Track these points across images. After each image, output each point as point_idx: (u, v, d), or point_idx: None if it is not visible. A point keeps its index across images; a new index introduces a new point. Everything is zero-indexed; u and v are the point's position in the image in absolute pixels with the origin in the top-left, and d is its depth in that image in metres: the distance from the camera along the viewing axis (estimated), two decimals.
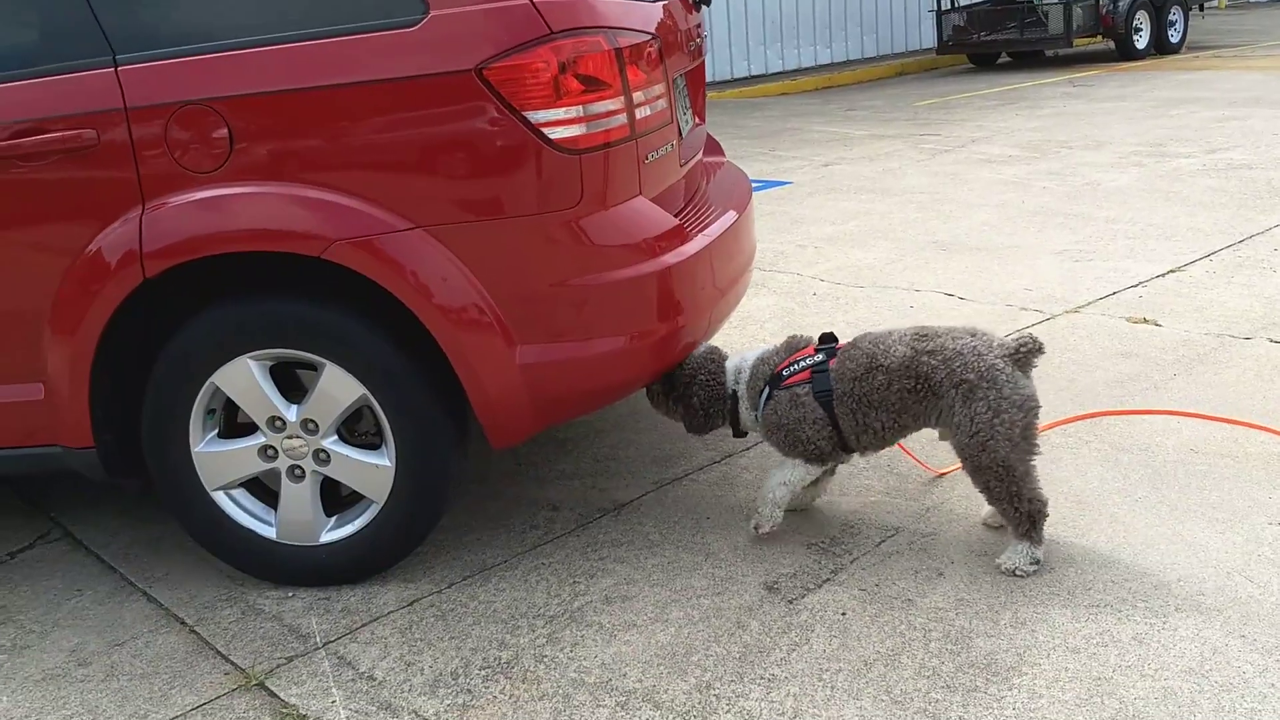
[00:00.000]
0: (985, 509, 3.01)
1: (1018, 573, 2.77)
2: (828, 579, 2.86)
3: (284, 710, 2.50)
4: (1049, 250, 5.78)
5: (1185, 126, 9.32)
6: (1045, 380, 4.00)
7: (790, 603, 2.77)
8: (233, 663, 2.69)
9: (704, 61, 3.78)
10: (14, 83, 2.75)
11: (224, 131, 2.65)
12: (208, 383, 2.82)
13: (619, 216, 2.80)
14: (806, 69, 16.86)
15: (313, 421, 2.84)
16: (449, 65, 2.61)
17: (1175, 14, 15.71)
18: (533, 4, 2.64)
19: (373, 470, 2.86)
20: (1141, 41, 15.24)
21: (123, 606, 3.00)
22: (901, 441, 3.08)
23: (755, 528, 3.05)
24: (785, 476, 2.98)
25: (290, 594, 2.97)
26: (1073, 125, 9.87)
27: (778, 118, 12.12)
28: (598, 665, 2.58)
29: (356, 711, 2.47)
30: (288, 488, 2.91)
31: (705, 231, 3.10)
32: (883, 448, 2.98)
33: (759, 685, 2.46)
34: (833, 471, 3.18)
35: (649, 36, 2.94)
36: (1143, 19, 15.24)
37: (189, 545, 3.21)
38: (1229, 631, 2.51)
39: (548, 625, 2.75)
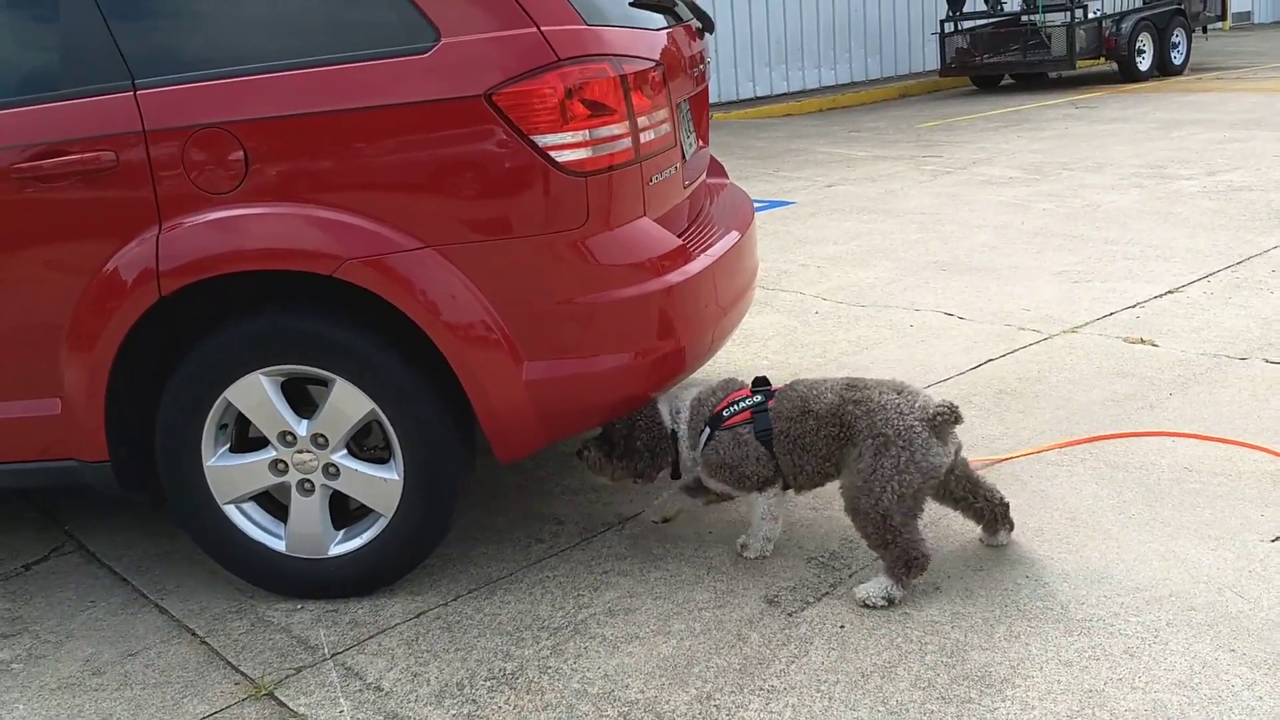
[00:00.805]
0: (980, 529, 3.07)
1: (867, 602, 2.82)
2: (827, 592, 2.92)
3: (293, 719, 2.56)
4: (1048, 271, 5.85)
5: (1186, 148, 9.40)
6: (1042, 399, 4.07)
7: (790, 615, 2.82)
8: (243, 673, 2.75)
9: (708, 86, 3.86)
10: (36, 105, 2.83)
11: (240, 154, 2.73)
12: (220, 398, 2.89)
13: (624, 236, 2.87)
14: (810, 90, 16.98)
15: (323, 436, 2.91)
16: (459, 90, 2.69)
17: (1178, 36, 15.80)
18: (540, 32, 2.71)
19: (381, 484, 2.93)
20: (1144, 63, 15.33)
21: (135, 618, 3.06)
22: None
23: (741, 547, 3.14)
24: (762, 510, 3.07)
25: (299, 606, 3.03)
26: (1074, 147, 9.94)
27: (782, 138, 12.22)
28: (601, 676, 2.63)
29: None
30: (297, 501, 2.97)
31: (708, 251, 3.17)
32: (816, 487, 3.04)
33: (759, 696, 2.52)
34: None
35: (653, 63, 3.01)
36: (1146, 41, 15.33)
37: (199, 558, 3.27)
38: (1219, 646, 2.56)
39: (552, 637, 2.81)
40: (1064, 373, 4.34)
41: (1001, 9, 16.38)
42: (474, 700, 2.58)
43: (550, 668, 2.68)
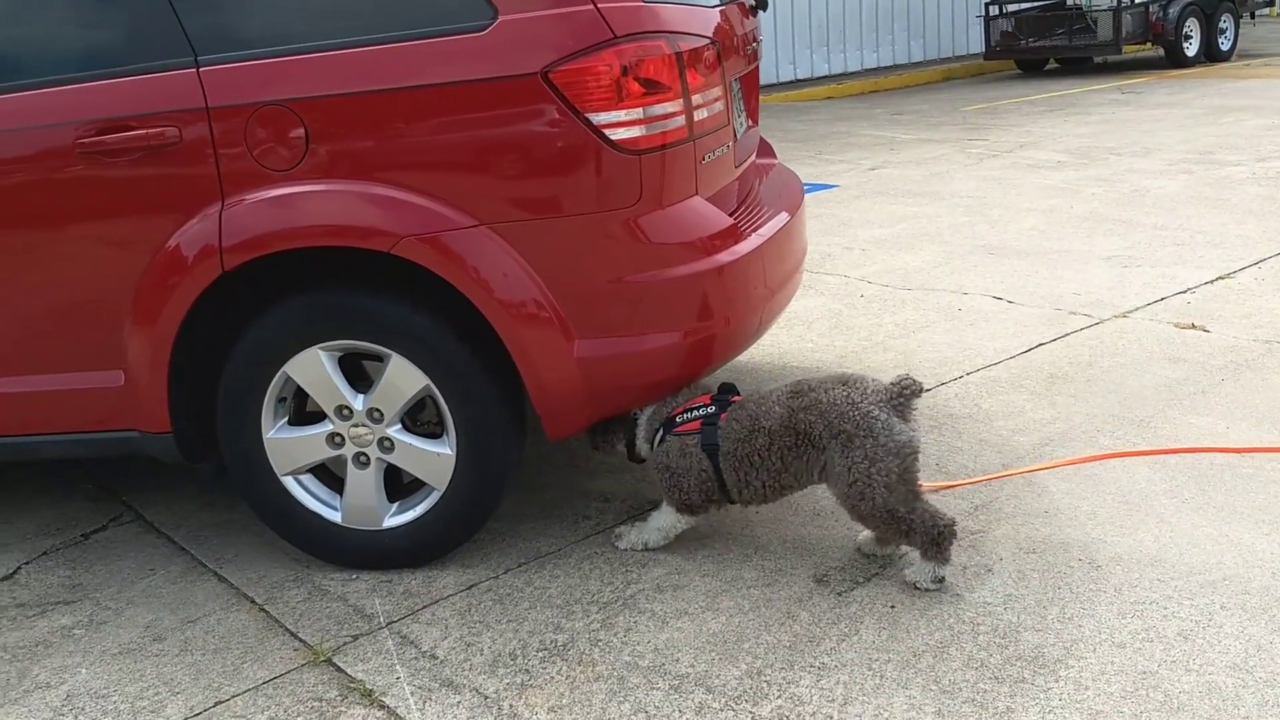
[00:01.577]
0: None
1: (917, 585, 2.81)
2: (876, 573, 2.93)
3: (351, 685, 2.61)
4: (1097, 255, 5.80)
5: (1235, 134, 9.26)
6: (1094, 384, 4.05)
7: (839, 595, 2.84)
8: (301, 640, 2.80)
9: (759, 65, 3.85)
10: (100, 81, 2.87)
11: (300, 131, 2.76)
12: (280, 372, 2.93)
13: (676, 215, 2.88)
14: (853, 73, 16.86)
15: (378, 410, 2.95)
16: (516, 68, 2.71)
17: (1226, 21, 15.55)
18: (597, 9, 2.72)
19: (434, 458, 2.96)
20: (1191, 49, 15.09)
21: (194, 585, 3.12)
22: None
23: (616, 538, 3.15)
24: (661, 523, 3.07)
25: (354, 576, 3.08)
26: (1121, 132, 9.83)
27: (824, 121, 12.15)
28: (651, 650, 2.66)
29: (420, 688, 2.57)
30: (353, 474, 3.01)
31: (758, 231, 3.17)
32: (764, 503, 3.00)
33: (809, 673, 2.53)
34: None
35: (708, 41, 3.02)
36: (1193, 26, 15.10)
37: (256, 529, 3.33)
38: (1274, 629, 2.55)
39: (601, 611, 2.84)
40: (1115, 358, 4.31)
41: None
42: (527, 670, 2.61)
43: (601, 640, 2.71)
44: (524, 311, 2.81)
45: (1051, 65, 16.30)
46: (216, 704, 2.57)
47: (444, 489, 2.99)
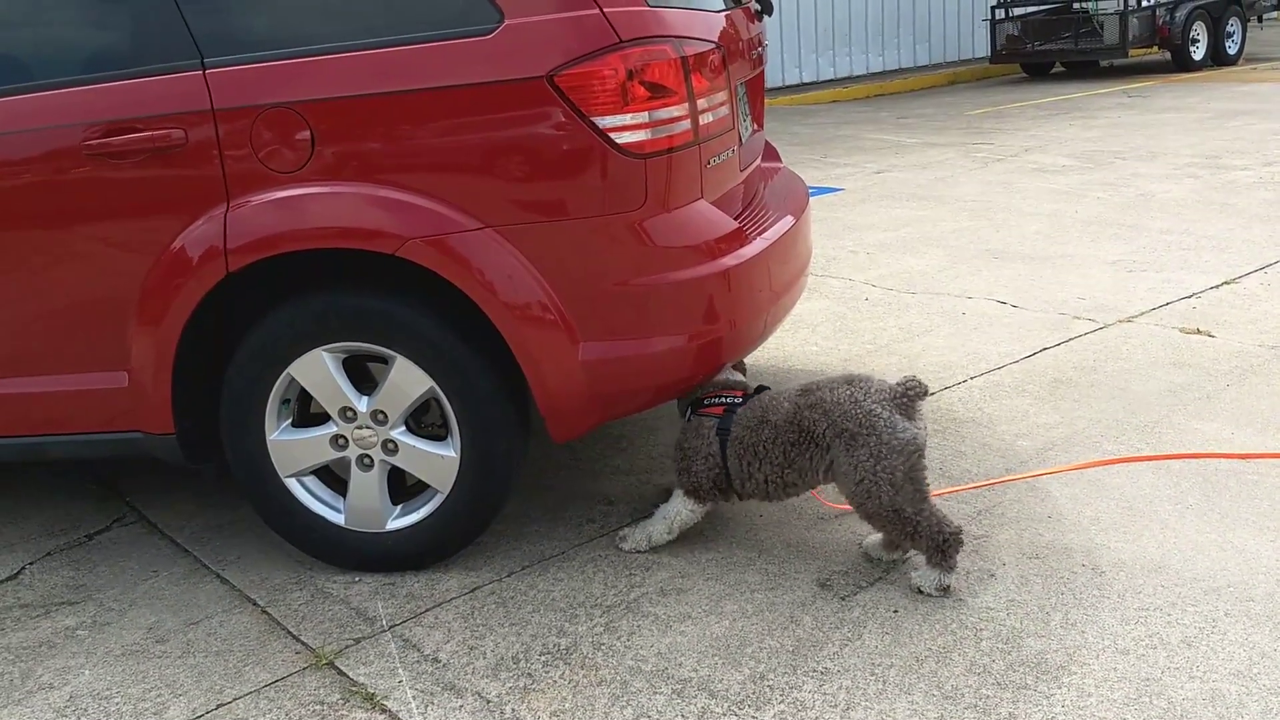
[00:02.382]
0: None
1: (923, 591, 2.81)
2: (880, 578, 2.92)
3: (353, 688, 2.61)
4: (1102, 260, 5.79)
5: (1241, 139, 9.24)
6: (1098, 389, 4.04)
7: (843, 599, 2.83)
8: (303, 643, 2.81)
9: (764, 70, 3.85)
10: (107, 83, 2.88)
11: (306, 133, 2.76)
12: (284, 373, 2.93)
13: (681, 219, 2.88)
14: (858, 76, 16.85)
15: (382, 413, 2.95)
16: (521, 72, 2.71)
17: (1233, 25, 15.52)
18: (602, 13, 2.73)
19: (438, 461, 2.96)
20: (1198, 52, 15.07)
21: (197, 587, 3.12)
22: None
23: (620, 540, 3.15)
24: (668, 512, 3.08)
25: (357, 579, 3.08)
26: (1127, 136, 9.82)
27: (829, 125, 12.15)
28: (654, 654, 2.66)
29: (422, 691, 2.57)
30: (357, 476, 3.02)
31: (763, 235, 3.17)
32: (766, 499, 2.99)
33: (812, 678, 2.53)
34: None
35: (713, 45, 3.02)
36: (1200, 30, 15.08)
37: (259, 531, 3.33)
38: (1278, 637, 2.54)
39: (605, 615, 2.84)
40: (1120, 362, 4.30)
41: None
42: (529, 674, 2.61)
43: (604, 644, 2.71)
44: (529, 314, 2.81)
45: (1057, 69, 16.28)
46: (218, 706, 2.57)
47: (448, 491, 2.99)
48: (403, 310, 2.86)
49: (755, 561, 3.05)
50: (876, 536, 2.99)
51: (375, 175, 2.77)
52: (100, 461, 3.95)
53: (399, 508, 3.06)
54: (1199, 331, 4.59)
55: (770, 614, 2.79)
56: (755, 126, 3.69)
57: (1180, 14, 14.74)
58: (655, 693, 2.52)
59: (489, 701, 2.52)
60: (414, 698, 2.55)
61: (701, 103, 2.90)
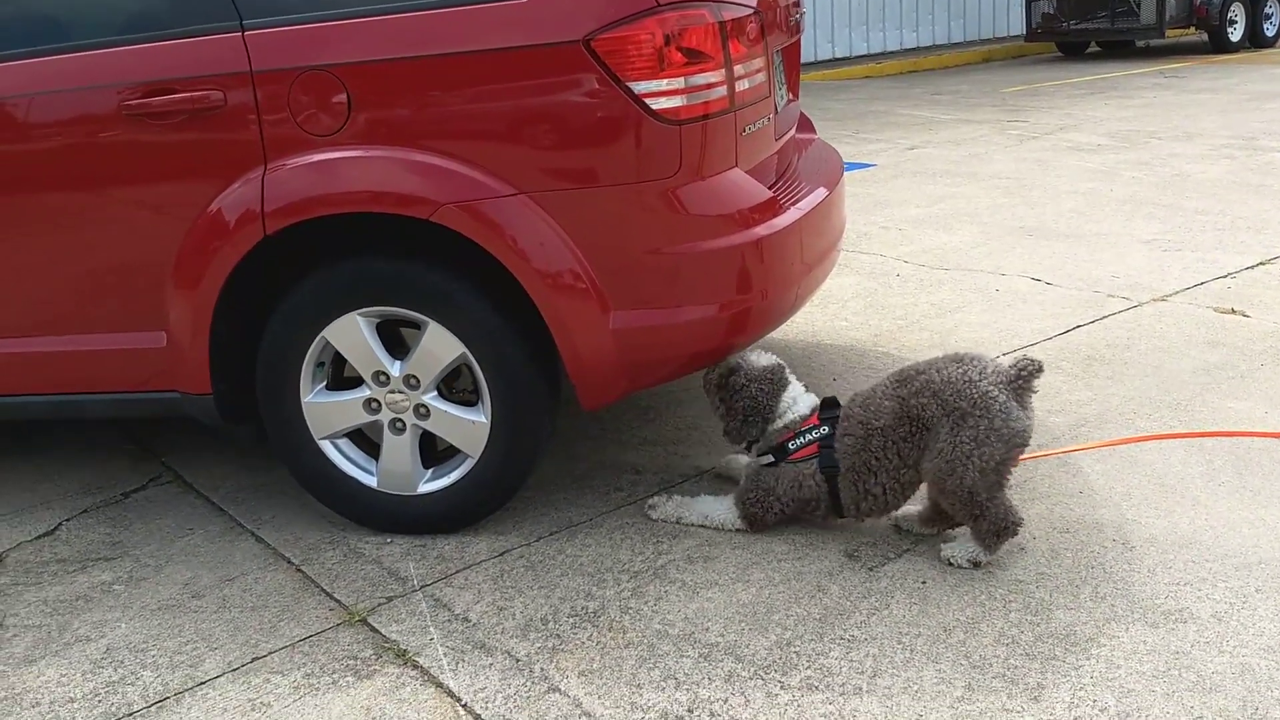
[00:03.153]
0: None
1: (951, 561, 2.78)
2: (908, 549, 2.93)
3: (385, 645, 2.64)
4: (1137, 239, 5.74)
5: (1278, 120, 9.11)
6: (1132, 367, 4.02)
7: (870, 570, 2.84)
8: (336, 600, 2.84)
9: (800, 38, 3.83)
10: (146, 44, 2.89)
11: (343, 97, 2.77)
12: (319, 337, 2.96)
13: (715, 187, 2.88)
14: (892, 52, 16.71)
15: (414, 377, 2.97)
16: (558, 36, 2.71)
17: (1271, 7, 15.29)
18: None
19: (469, 426, 2.98)
20: (1236, 34, 14.86)
21: (233, 545, 3.17)
22: None
23: (650, 508, 3.14)
24: (711, 514, 3.04)
25: (389, 540, 3.11)
26: (1163, 116, 9.70)
27: (862, 100, 12.07)
28: (681, 619, 2.68)
29: (453, 649, 2.60)
30: (389, 439, 3.04)
31: (797, 206, 3.16)
32: (885, 512, 2.90)
33: (839, 645, 2.54)
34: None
35: (751, 11, 3.00)
36: (1238, 11, 14.86)
37: (293, 491, 3.37)
38: None
39: (632, 580, 2.86)
40: (1153, 340, 4.27)
41: None
42: (558, 635, 2.64)
43: (631, 608, 2.73)
44: (561, 281, 2.81)
45: (1093, 48, 16.09)
46: (253, 660, 2.61)
47: (478, 456, 3.01)
48: (436, 276, 2.88)
49: (782, 532, 3.05)
50: (914, 509, 2.97)
51: (411, 140, 2.78)
52: (137, 421, 4.00)
53: (430, 471, 3.09)
54: (1233, 311, 4.55)
55: (797, 582, 2.80)
56: (790, 96, 3.68)
57: None
58: (682, 656, 2.54)
59: (518, 660, 2.55)
60: (445, 655, 2.58)
61: (738, 69, 2.89)
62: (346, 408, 3.04)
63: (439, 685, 2.48)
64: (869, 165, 8.21)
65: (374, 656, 2.60)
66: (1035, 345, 4.30)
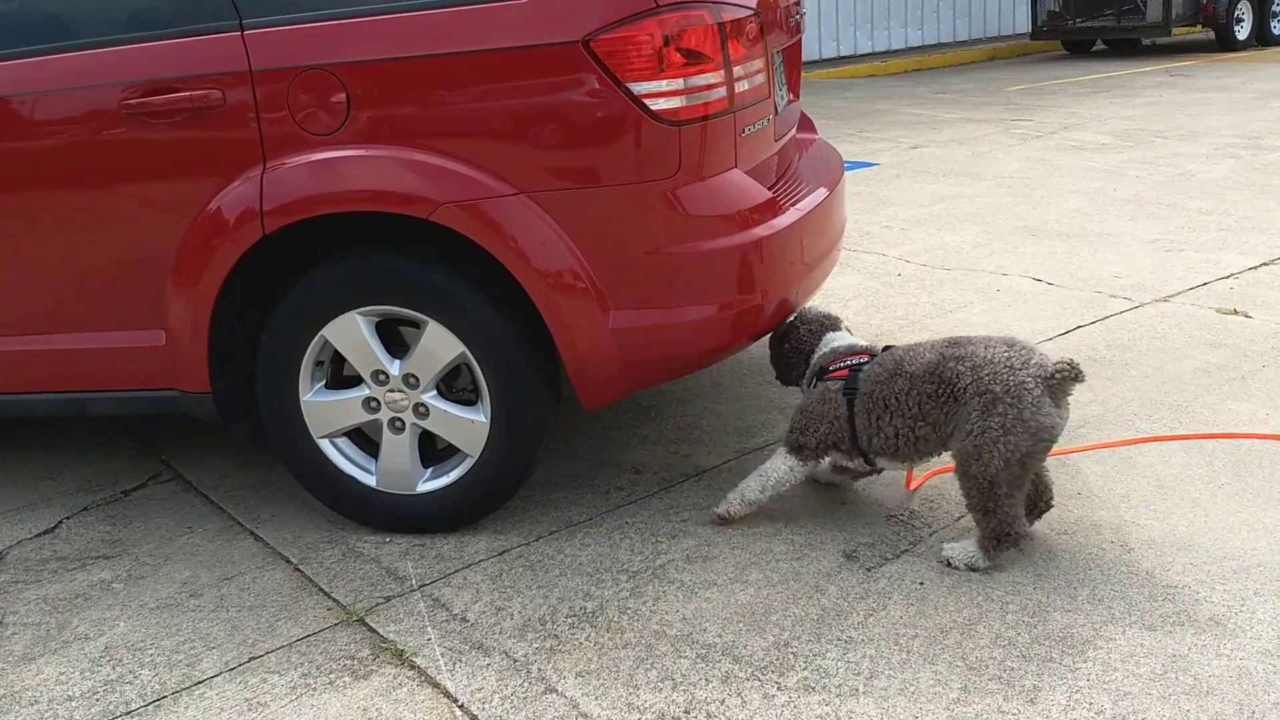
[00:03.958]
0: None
1: (950, 562, 2.79)
2: (906, 550, 2.93)
3: (383, 645, 2.65)
4: (1140, 239, 5.73)
5: None
6: (1132, 367, 4.01)
7: (868, 570, 2.84)
8: (334, 599, 2.85)
9: (801, 38, 3.83)
10: (145, 43, 2.90)
11: (342, 96, 2.78)
12: (318, 335, 2.96)
13: (714, 188, 2.88)
14: (896, 51, 16.70)
15: (414, 376, 2.97)
16: (557, 36, 2.70)
17: (1278, 5, 15.24)
18: None
19: (469, 425, 2.99)
20: (1243, 32, 14.83)
21: (231, 544, 3.17)
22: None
23: (716, 514, 3.09)
24: (767, 468, 3.02)
25: (387, 539, 3.12)
26: (1168, 115, 9.68)
27: (866, 99, 12.05)
28: (679, 619, 2.68)
29: (450, 649, 2.61)
30: (388, 439, 3.05)
31: (797, 206, 3.16)
32: (894, 457, 2.90)
33: (836, 646, 2.54)
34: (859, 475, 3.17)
35: (751, 12, 3.00)
36: (1245, 9, 14.83)
37: (292, 490, 3.37)
38: None
39: (631, 580, 2.86)
40: (1155, 341, 4.27)
41: None
42: (556, 635, 2.64)
43: (630, 609, 2.73)
44: (561, 281, 2.81)
45: (1099, 46, 16.06)
46: (251, 659, 2.62)
47: (478, 456, 3.01)
48: (435, 275, 2.88)
49: (781, 532, 3.05)
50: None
51: (410, 139, 2.78)
52: (137, 419, 4.01)
53: (429, 470, 3.09)
54: (1236, 312, 4.54)
55: (795, 583, 2.80)
56: (791, 96, 3.67)
57: None
58: (680, 656, 2.54)
59: (516, 661, 2.55)
60: (442, 655, 2.59)
61: (738, 70, 2.89)
62: (346, 406, 3.05)
63: (436, 686, 2.49)
64: (872, 164, 8.20)
65: (371, 656, 2.61)
66: (1037, 345, 4.29)
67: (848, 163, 8.14)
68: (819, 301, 4.99)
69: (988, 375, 2.69)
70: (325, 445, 3.08)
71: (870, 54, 16.44)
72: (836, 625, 2.62)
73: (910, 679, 2.41)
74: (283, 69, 2.80)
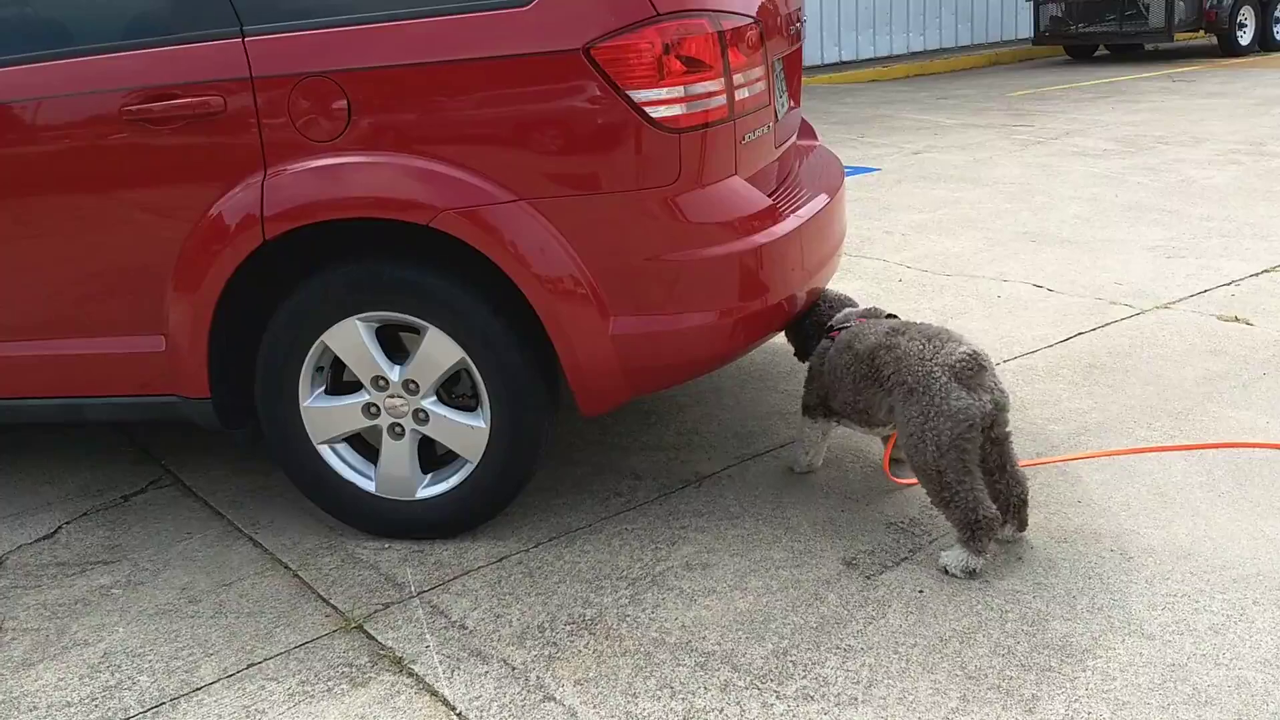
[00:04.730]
0: None
1: (948, 570, 2.81)
2: (906, 557, 2.92)
3: (381, 652, 2.64)
4: (1141, 245, 5.73)
5: None
6: (1133, 375, 4.01)
7: (868, 578, 2.84)
8: (333, 606, 2.85)
9: (802, 46, 3.83)
10: (147, 50, 2.90)
11: (343, 103, 2.78)
12: (318, 341, 2.96)
13: (714, 195, 2.88)
14: (898, 56, 16.70)
15: (414, 382, 2.97)
16: (558, 44, 2.71)
17: None
18: None
19: (468, 431, 2.99)
20: (1245, 37, 14.83)
21: (230, 550, 3.17)
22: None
23: (792, 467, 3.42)
24: (801, 437, 3.35)
25: (386, 545, 3.12)
26: (1170, 121, 9.68)
27: (867, 104, 12.06)
28: (678, 627, 2.68)
29: (449, 657, 2.61)
30: (388, 444, 3.05)
31: (797, 213, 3.16)
32: (856, 425, 3.13)
33: (835, 654, 2.54)
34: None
35: (751, 20, 3.00)
36: (1247, 14, 14.83)
37: (291, 495, 3.37)
38: None
39: (630, 587, 2.86)
40: (1155, 349, 4.26)
41: None
42: (554, 643, 2.64)
43: (629, 616, 2.73)
44: (561, 287, 2.82)
45: (1101, 52, 16.06)
46: (249, 666, 2.62)
47: (477, 462, 3.01)
48: (435, 281, 2.88)
49: (781, 539, 3.05)
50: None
51: (411, 146, 2.78)
52: (137, 425, 4.01)
53: (429, 476, 3.09)
54: (1237, 319, 4.53)
55: (795, 591, 2.80)
56: (792, 103, 3.67)
57: None
58: (678, 664, 2.53)
59: (514, 668, 2.55)
60: (440, 663, 2.58)
61: (738, 78, 2.89)
62: (345, 412, 3.05)
63: (434, 694, 2.49)
64: (873, 170, 8.20)
65: (369, 664, 2.60)
66: (1036, 352, 4.29)
67: (849, 168, 8.15)
68: None
69: (904, 367, 2.86)
70: (325, 451, 3.08)
71: (872, 59, 16.45)
72: (836, 633, 2.62)
73: (909, 688, 2.41)
74: (284, 76, 2.80)
